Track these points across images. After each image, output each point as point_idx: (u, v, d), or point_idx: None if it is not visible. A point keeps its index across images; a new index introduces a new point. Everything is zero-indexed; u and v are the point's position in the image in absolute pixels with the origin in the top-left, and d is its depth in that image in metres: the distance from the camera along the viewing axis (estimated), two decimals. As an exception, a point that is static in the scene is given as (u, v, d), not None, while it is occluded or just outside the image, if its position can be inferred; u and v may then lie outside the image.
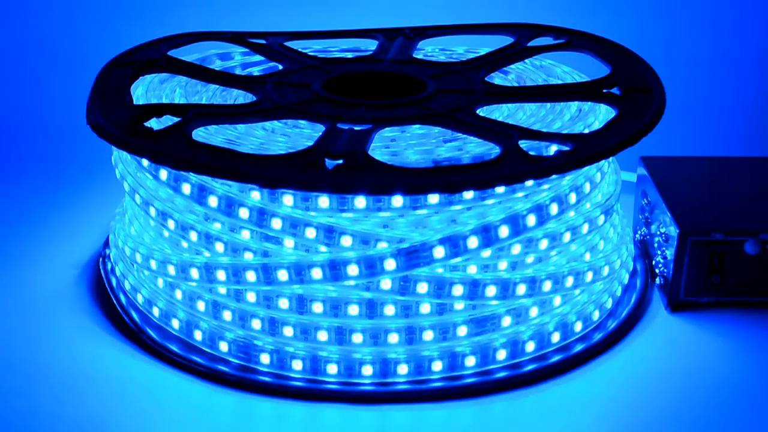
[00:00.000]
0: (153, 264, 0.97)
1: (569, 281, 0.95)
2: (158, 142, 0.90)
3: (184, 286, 0.96)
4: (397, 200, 0.90)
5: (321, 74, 1.08)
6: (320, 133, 0.93)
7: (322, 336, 0.91)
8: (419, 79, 1.06)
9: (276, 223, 0.90)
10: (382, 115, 0.97)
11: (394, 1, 1.57)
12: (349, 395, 0.91)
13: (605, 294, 1.02)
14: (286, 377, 0.92)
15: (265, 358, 0.93)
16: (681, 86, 1.37)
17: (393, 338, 0.91)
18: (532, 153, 0.89)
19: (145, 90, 1.04)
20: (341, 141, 0.90)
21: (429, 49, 1.19)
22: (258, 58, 1.16)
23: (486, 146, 0.92)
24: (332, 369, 0.92)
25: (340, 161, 0.86)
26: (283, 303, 0.92)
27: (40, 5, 1.59)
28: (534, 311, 0.95)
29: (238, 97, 1.07)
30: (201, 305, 0.95)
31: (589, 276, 0.97)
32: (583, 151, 0.89)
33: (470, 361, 0.93)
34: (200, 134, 0.95)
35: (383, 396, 0.91)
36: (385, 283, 0.90)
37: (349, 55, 1.17)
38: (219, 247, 0.93)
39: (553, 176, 0.90)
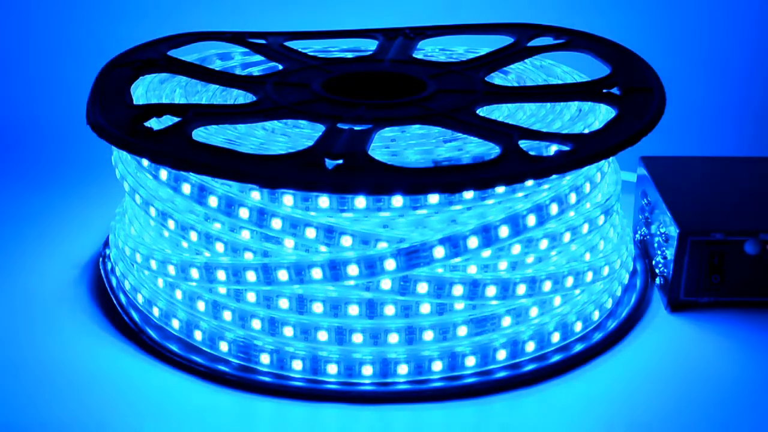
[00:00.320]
0: (153, 264, 0.97)
1: (569, 281, 0.95)
2: (158, 142, 0.90)
3: (184, 286, 0.96)
4: (397, 200, 0.90)
5: (321, 74, 1.08)
6: (320, 133, 0.93)
7: (322, 336, 0.92)
8: (419, 79, 1.06)
9: (276, 223, 0.90)
10: (382, 115, 0.97)
11: (394, 1, 1.57)
12: (349, 395, 0.91)
13: (605, 294, 1.02)
14: (286, 377, 0.92)
15: (265, 358, 0.93)
16: (681, 86, 1.37)
17: (393, 338, 0.91)
18: (532, 153, 0.89)
19: (145, 90, 1.04)
20: (341, 141, 0.90)
21: (429, 49, 1.19)
22: (258, 58, 1.16)
23: (486, 146, 0.92)
24: (332, 369, 0.92)
25: (340, 161, 0.86)
26: (283, 303, 0.92)
27: (40, 5, 1.59)
28: (534, 311, 0.95)
29: (238, 97, 1.07)
30: (201, 305, 0.95)
31: (589, 276, 0.97)
32: (583, 151, 0.89)
33: (470, 361, 0.93)
34: (200, 134, 0.95)
35: (383, 396, 0.91)
36: (385, 283, 0.90)
37: (349, 55, 1.17)
38: (219, 247, 0.93)
39: (553, 176, 0.90)
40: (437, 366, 0.92)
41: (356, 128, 0.93)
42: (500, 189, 0.92)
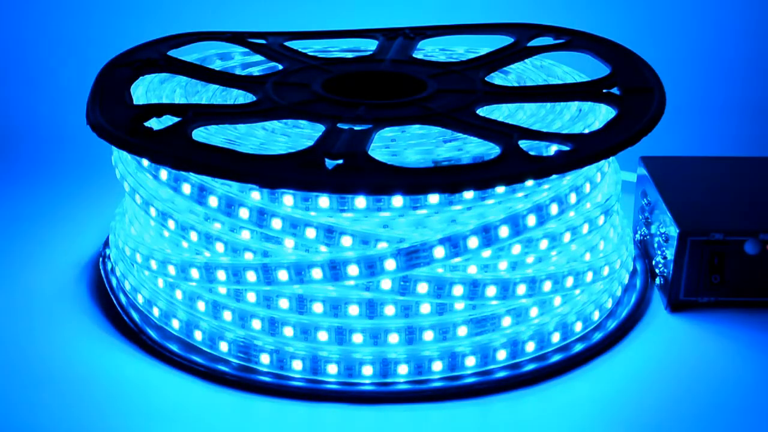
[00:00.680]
0: (153, 264, 0.97)
1: (569, 281, 0.95)
2: (158, 142, 0.90)
3: (184, 286, 0.96)
4: (397, 200, 0.90)
5: (321, 74, 1.08)
6: (320, 133, 0.93)
7: (322, 336, 0.92)
8: (419, 79, 1.06)
9: (276, 223, 0.90)
10: (382, 115, 0.97)
11: (394, 1, 1.57)
12: (349, 395, 0.91)
13: (605, 294, 1.02)
14: (286, 377, 0.92)
15: (265, 358, 0.93)
16: (681, 86, 1.37)
17: (393, 338, 0.91)
18: (532, 153, 0.89)
19: (145, 90, 1.04)
20: (341, 141, 0.90)
21: (429, 49, 1.19)
22: (258, 58, 1.16)
23: (486, 146, 0.92)
24: (332, 369, 0.92)
25: (340, 161, 0.86)
26: (283, 303, 0.92)
27: (40, 5, 1.59)
28: (534, 311, 0.95)
29: (238, 97, 1.07)
30: (201, 305, 0.95)
31: (589, 276, 0.97)
32: (583, 151, 0.89)
33: (470, 361, 0.93)
34: (200, 134, 0.95)
35: (383, 396, 0.91)
36: (385, 283, 0.90)
37: (349, 55, 1.17)
38: (219, 247, 0.93)
39: (553, 176, 0.90)
40: (437, 366, 0.92)
41: (356, 128, 0.93)
42: (500, 189, 0.92)
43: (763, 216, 1.04)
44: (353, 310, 0.91)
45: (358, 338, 0.91)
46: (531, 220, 0.92)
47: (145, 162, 0.97)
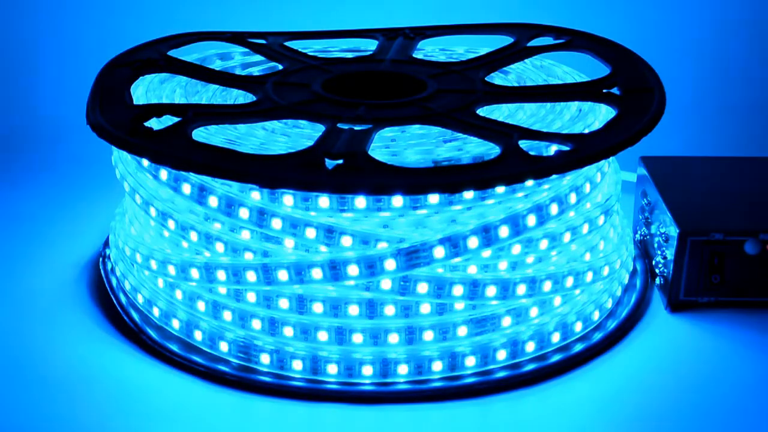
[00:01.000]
0: (153, 264, 0.97)
1: (569, 281, 0.95)
2: (158, 142, 0.90)
3: (184, 286, 0.96)
4: (397, 200, 0.90)
5: (321, 74, 1.08)
6: (320, 133, 0.93)
7: (322, 336, 0.92)
8: (419, 79, 1.06)
9: (276, 223, 0.90)
10: (382, 115, 0.97)
11: (394, 1, 1.57)
12: (349, 395, 0.91)
13: (605, 294, 1.02)
14: (286, 377, 0.92)
15: (265, 358, 0.93)
16: (681, 86, 1.37)
17: (393, 338, 0.91)
18: (532, 153, 0.89)
19: (145, 90, 1.04)
20: (341, 141, 0.90)
21: (429, 49, 1.19)
22: (258, 58, 1.16)
23: (486, 146, 0.92)
24: (332, 369, 0.92)
25: (340, 161, 0.86)
26: (283, 303, 0.92)
27: (40, 5, 1.59)
28: (534, 311, 0.95)
29: (238, 97, 1.07)
30: (201, 305, 0.95)
31: (589, 276, 0.97)
32: (583, 151, 0.89)
33: (470, 361, 0.93)
34: (200, 134, 0.95)
35: (383, 396, 0.91)
36: (385, 283, 0.90)
37: (349, 55, 1.17)
38: (219, 247, 0.93)
39: (553, 176, 0.90)
40: (437, 366, 0.92)
41: (356, 128, 0.93)
42: (500, 189, 0.92)
43: (763, 216, 1.04)
44: (353, 310, 0.91)
45: (358, 338, 0.91)
46: (531, 220, 0.92)
47: (145, 162, 0.97)
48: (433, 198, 0.90)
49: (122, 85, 1.01)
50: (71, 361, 0.96)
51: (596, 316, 1.01)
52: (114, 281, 1.07)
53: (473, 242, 0.90)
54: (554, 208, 0.93)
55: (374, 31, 1.20)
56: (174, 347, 0.97)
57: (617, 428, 0.89)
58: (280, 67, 1.11)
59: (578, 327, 0.98)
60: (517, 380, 0.93)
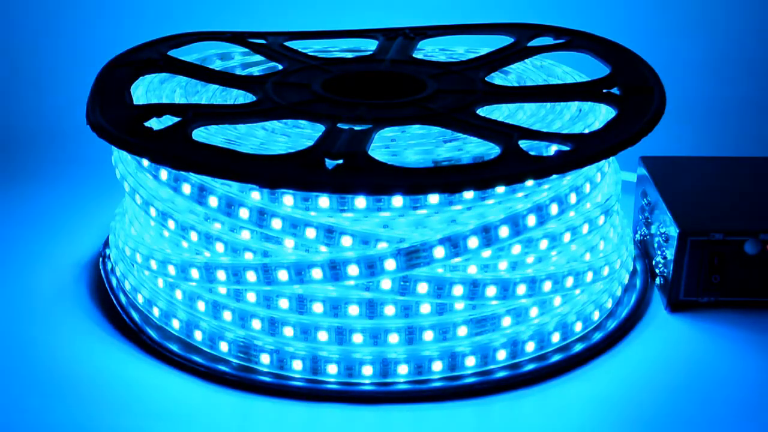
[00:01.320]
0: (153, 264, 0.97)
1: (569, 281, 0.95)
2: (158, 142, 0.90)
3: (184, 286, 0.96)
4: (397, 200, 0.90)
5: (321, 74, 1.08)
6: (320, 133, 0.93)
7: (322, 336, 0.92)
8: (419, 79, 1.06)
9: (276, 223, 0.90)
10: (382, 115, 0.97)
11: (394, 1, 1.57)
12: (349, 395, 0.91)
13: (605, 294, 1.02)
14: (286, 377, 0.92)
15: (265, 358, 0.93)
16: (681, 86, 1.37)
17: (393, 338, 0.91)
18: (532, 153, 0.89)
19: (145, 90, 1.04)
20: (341, 141, 0.90)
21: (429, 49, 1.19)
22: (258, 58, 1.16)
23: (486, 146, 0.92)
24: (332, 369, 0.92)
25: (340, 161, 0.86)
26: (283, 303, 0.92)
27: (40, 5, 1.59)
28: (534, 311, 0.95)
29: (238, 97, 1.07)
30: (201, 305, 0.95)
31: (589, 276, 0.97)
32: (583, 151, 0.89)
33: (470, 361, 0.93)
34: (200, 134, 0.95)
35: (383, 396, 0.91)
36: (385, 283, 0.90)
37: (349, 55, 1.17)
38: (219, 247, 0.93)
39: (553, 176, 0.90)
40: (437, 366, 0.92)
41: (356, 128, 0.93)
42: (500, 189, 0.92)
43: (763, 216, 1.04)
44: (353, 310, 0.91)
45: (358, 338, 0.91)
46: (531, 220, 0.92)
47: (145, 162, 0.97)
48: (433, 198, 0.90)
49: (122, 85, 1.01)
50: (71, 361, 0.96)
51: (596, 316, 1.01)
52: (114, 281, 1.07)
53: (473, 242, 0.90)
54: (554, 208, 0.93)
55: (374, 31, 1.20)
56: (174, 347, 0.97)
57: (617, 428, 0.89)
58: (280, 67, 1.11)
59: (578, 327, 0.98)
60: (517, 380, 0.93)
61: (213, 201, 0.92)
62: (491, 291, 0.91)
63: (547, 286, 0.94)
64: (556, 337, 0.96)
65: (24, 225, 1.21)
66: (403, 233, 0.90)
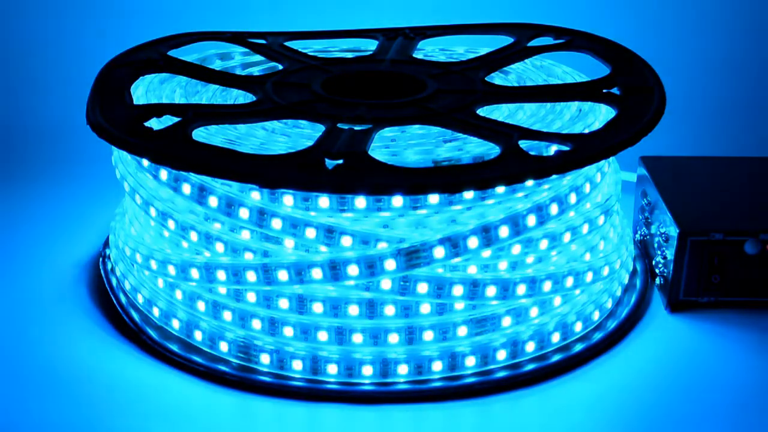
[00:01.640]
0: (153, 264, 0.97)
1: (569, 281, 0.95)
2: (158, 142, 0.90)
3: (184, 286, 0.96)
4: (397, 200, 0.90)
5: (321, 74, 1.08)
6: (320, 133, 0.93)
7: (322, 336, 0.92)
8: (419, 79, 1.06)
9: (276, 223, 0.90)
10: (382, 115, 0.97)
11: (394, 1, 1.57)
12: (349, 395, 0.91)
13: (605, 294, 1.02)
14: (286, 377, 0.92)
15: (265, 358, 0.93)
16: (681, 86, 1.37)
17: (393, 338, 0.91)
18: (532, 153, 0.89)
19: (145, 90, 1.04)
20: (341, 141, 0.90)
21: (429, 49, 1.19)
22: (258, 58, 1.16)
23: (486, 146, 0.92)
24: (332, 369, 0.92)
25: (340, 161, 0.86)
26: (283, 303, 0.92)
27: (40, 5, 1.59)
28: (534, 311, 0.95)
29: (238, 97, 1.07)
30: (201, 305, 0.95)
31: (589, 276, 0.97)
32: (583, 151, 0.89)
33: (470, 361, 0.93)
34: (200, 134, 0.95)
35: (383, 396, 0.91)
36: (385, 283, 0.90)
37: (349, 55, 1.17)
38: (219, 247, 0.93)
39: (553, 176, 0.90)
40: (437, 366, 0.92)
41: (356, 128, 0.93)
42: (500, 189, 0.92)
43: (763, 216, 1.04)
44: (353, 310, 0.91)
45: (358, 338, 0.91)
46: (531, 220, 0.92)
47: (145, 162, 0.97)
48: (433, 198, 0.90)
49: (122, 85, 1.01)
50: (71, 361, 0.96)
51: (596, 316, 1.01)
52: (114, 281, 1.07)
53: (473, 242, 0.90)
54: (554, 208, 0.93)
55: (374, 31, 1.20)
56: (174, 347, 0.97)
57: (617, 428, 0.89)
58: (280, 67, 1.11)
59: (578, 327, 0.98)
60: (517, 380, 0.93)
61: (213, 201, 0.92)
62: (491, 291, 0.91)
63: (547, 286, 0.94)
64: (556, 337, 0.96)
65: (24, 225, 1.21)
66: (403, 233, 0.90)
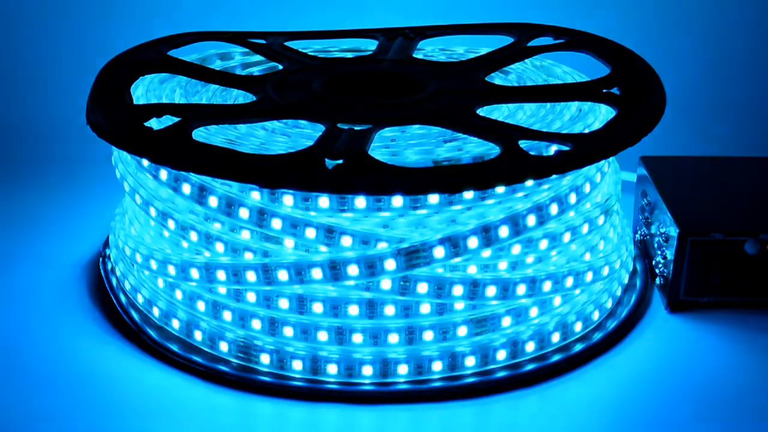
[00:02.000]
0: (153, 264, 0.97)
1: (569, 281, 0.95)
2: (158, 142, 0.90)
3: (184, 286, 0.96)
4: (397, 200, 0.90)
5: (321, 74, 1.08)
6: (320, 133, 0.93)
7: (322, 336, 0.92)
8: (419, 79, 1.06)
9: (276, 223, 0.90)
10: (382, 115, 0.97)
11: (394, 1, 1.57)
12: (349, 395, 0.91)
13: (605, 294, 1.02)
14: (286, 377, 0.92)
15: (265, 358, 0.93)
16: (681, 86, 1.37)
17: (393, 338, 0.91)
18: (532, 153, 0.89)
19: (145, 90, 1.04)
20: (341, 141, 0.90)
21: (429, 49, 1.19)
22: (258, 58, 1.16)
23: (486, 146, 0.92)
24: (332, 369, 0.92)
25: (340, 161, 0.86)
26: (283, 303, 0.92)
27: (40, 5, 1.59)
28: (534, 311, 0.95)
29: (238, 97, 1.07)
30: (201, 305, 0.95)
31: (589, 276, 0.97)
32: (583, 151, 0.89)
33: (470, 361, 0.93)
34: (200, 134, 0.95)
35: (383, 396, 0.91)
36: (385, 283, 0.90)
37: (349, 55, 1.17)
38: (219, 247, 0.93)
39: (553, 176, 0.90)
40: (437, 366, 0.92)
41: (356, 128, 0.93)
42: (500, 189, 0.92)
43: (763, 216, 1.04)
44: (353, 310, 0.91)
45: (358, 338, 0.91)
46: (531, 220, 0.92)
47: (145, 162, 0.97)
48: (433, 198, 0.90)
49: (122, 85, 1.01)
50: (71, 361, 0.96)
51: (596, 316, 1.01)
52: (114, 281, 1.07)
53: (473, 242, 0.90)
54: (554, 208, 0.93)
55: (374, 31, 1.20)
56: (174, 347, 0.97)
57: (617, 428, 0.89)
58: (280, 67, 1.11)
59: (578, 327, 0.98)
60: (517, 380, 0.93)
61: (213, 201, 0.92)
62: (491, 291, 0.91)
63: (547, 286, 0.94)
64: (556, 337, 0.96)
65: (24, 225, 1.21)
66: (403, 233, 0.90)
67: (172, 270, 0.95)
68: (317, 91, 1.02)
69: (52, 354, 0.97)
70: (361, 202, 0.90)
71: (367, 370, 0.92)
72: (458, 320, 0.92)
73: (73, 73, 1.45)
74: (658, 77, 1.04)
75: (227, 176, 0.86)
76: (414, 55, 1.14)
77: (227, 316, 0.94)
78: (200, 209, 0.94)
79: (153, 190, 0.98)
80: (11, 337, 1.00)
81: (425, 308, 0.92)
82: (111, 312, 1.03)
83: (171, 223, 0.96)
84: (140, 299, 1.01)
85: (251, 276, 0.91)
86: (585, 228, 0.97)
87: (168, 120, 0.95)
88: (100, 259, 1.11)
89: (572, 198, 0.95)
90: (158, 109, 0.96)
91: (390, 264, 0.89)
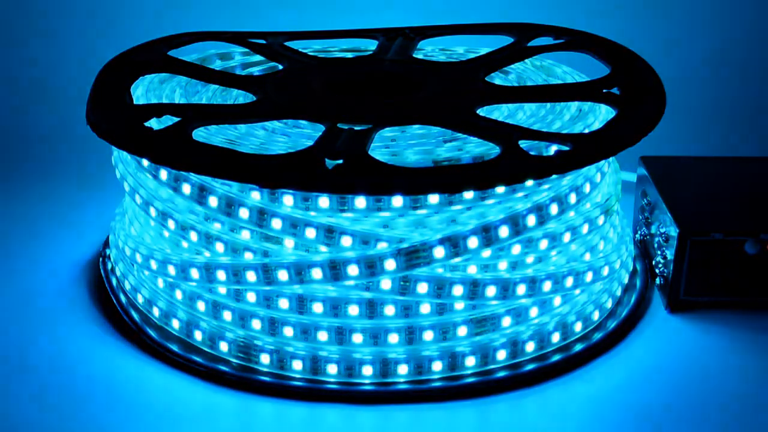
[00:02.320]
0: (153, 264, 0.97)
1: (569, 281, 0.95)
2: (158, 142, 0.90)
3: (184, 286, 0.96)
4: (397, 200, 0.90)
5: (321, 74, 1.08)
6: (320, 133, 0.93)
7: (322, 336, 0.92)
8: (419, 79, 1.06)
9: (276, 223, 0.90)
10: (382, 115, 0.97)
11: (394, 1, 1.57)
12: (349, 395, 0.91)
13: (605, 294, 1.02)
14: (286, 377, 0.92)
15: (265, 358, 0.93)
16: (681, 86, 1.37)
17: (393, 338, 0.91)
18: (532, 153, 0.89)
19: (145, 90, 1.04)
20: (341, 141, 0.90)
21: (429, 49, 1.19)
22: (258, 58, 1.16)
23: (486, 146, 0.92)
24: (332, 369, 0.92)
25: (340, 161, 0.86)
26: (283, 303, 0.92)
27: (40, 5, 1.59)
28: (534, 311, 0.95)
29: (238, 97, 1.07)
30: (201, 305, 0.95)
31: (589, 276, 0.97)
32: (583, 151, 0.89)
33: (470, 361, 0.93)
34: (200, 134, 0.95)
35: (383, 396, 0.91)
36: (385, 283, 0.90)
37: (349, 55, 1.17)
38: (219, 247, 0.93)
39: (553, 176, 0.90)
40: (437, 366, 0.92)
41: (356, 128, 0.93)
42: (500, 189, 0.92)
43: (763, 216, 1.04)
44: (353, 310, 0.91)
45: (358, 338, 0.91)
46: (531, 220, 0.92)
47: (145, 162, 0.97)
48: (433, 198, 0.90)
49: (122, 85, 1.01)
50: (71, 361, 0.96)
51: (596, 316, 1.01)
52: (114, 281, 1.07)
53: (473, 242, 0.90)
54: (554, 208, 0.93)
55: (374, 31, 1.20)
56: (174, 347, 0.97)
57: (617, 428, 0.89)
58: (280, 67, 1.11)
59: (578, 327, 0.98)
60: (517, 380, 0.93)
61: (213, 201, 0.92)
62: (491, 291, 0.91)
63: (547, 286, 0.94)
64: (556, 337, 0.96)
65: (24, 225, 1.21)
66: (403, 233, 0.90)
67: (172, 270, 0.95)
68: (317, 91, 1.02)
69: (52, 354, 0.97)
70: (361, 202, 0.90)
71: (367, 370, 0.92)
72: (458, 320, 0.92)
73: (73, 73, 1.45)
74: (658, 77, 1.04)
75: (227, 176, 0.86)
76: (414, 55, 1.14)
77: (227, 316, 0.94)
78: (200, 209, 0.94)
79: (153, 190, 0.98)
80: (11, 337, 1.00)
81: (425, 308, 0.92)
82: (111, 312, 1.03)
83: (171, 223, 0.96)
84: (140, 299, 1.01)
85: (251, 276, 0.91)
86: (585, 228, 0.97)
87: (168, 120, 0.95)
88: (100, 259, 1.11)
89: (572, 198, 0.95)
90: (158, 109, 0.96)
91: (390, 264, 0.89)
